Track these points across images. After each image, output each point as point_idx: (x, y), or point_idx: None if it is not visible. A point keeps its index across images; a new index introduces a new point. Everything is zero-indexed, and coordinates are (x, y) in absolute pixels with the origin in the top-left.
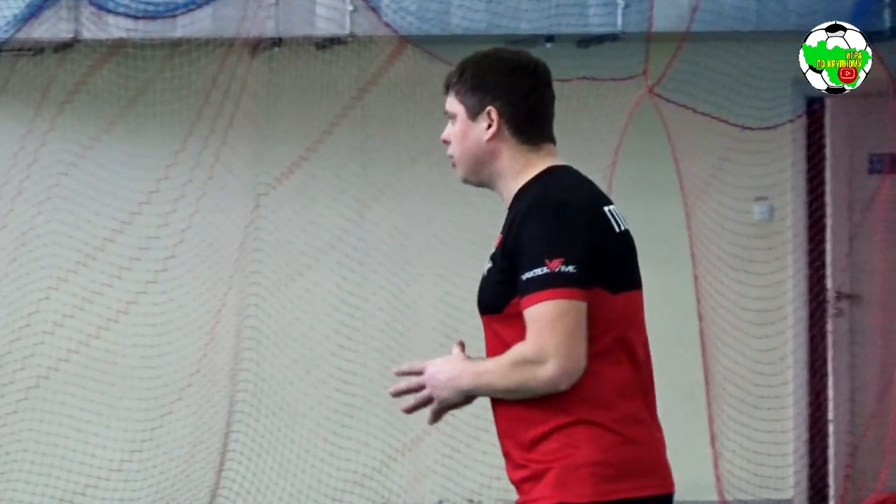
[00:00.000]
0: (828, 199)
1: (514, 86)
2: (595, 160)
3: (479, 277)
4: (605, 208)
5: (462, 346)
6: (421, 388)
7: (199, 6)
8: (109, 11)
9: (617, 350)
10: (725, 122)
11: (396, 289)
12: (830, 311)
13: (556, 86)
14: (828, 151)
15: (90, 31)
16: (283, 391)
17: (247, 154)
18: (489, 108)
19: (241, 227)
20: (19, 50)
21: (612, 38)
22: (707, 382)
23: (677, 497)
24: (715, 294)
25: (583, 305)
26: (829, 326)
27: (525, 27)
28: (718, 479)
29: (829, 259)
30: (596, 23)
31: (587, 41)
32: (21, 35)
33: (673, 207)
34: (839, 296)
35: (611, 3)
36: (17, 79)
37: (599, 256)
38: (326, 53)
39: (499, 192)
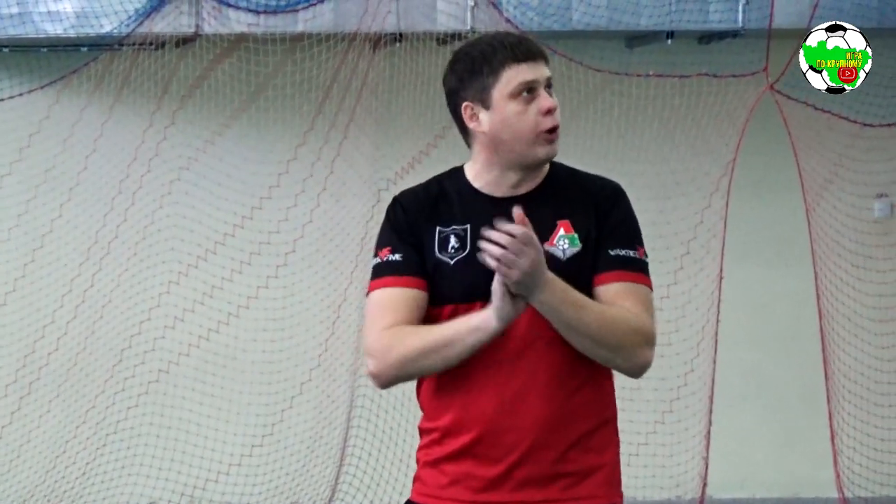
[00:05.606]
0: None
1: None
2: (715, 156)
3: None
4: None
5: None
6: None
7: (321, 1)
8: (230, 6)
9: None
10: (846, 119)
11: None
12: None
13: (676, 81)
14: None
15: (211, 26)
16: (404, 385)
17: (368, 149)
18: None
19: (362, 221)
20: (141, 44)
21: (733, 34)
22: (827, 379)
23: (799, 493)
24: (835, 291)
25: None
26: None
27: (645, 23)
28: (838, 475)
29: None
30: (717, 19)
31: (708, 37)
32: (142, 30)
33: (793, 204)
34: None
35: (731, 0)
36: (139, 73)
37: None
38: (447, 49)
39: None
